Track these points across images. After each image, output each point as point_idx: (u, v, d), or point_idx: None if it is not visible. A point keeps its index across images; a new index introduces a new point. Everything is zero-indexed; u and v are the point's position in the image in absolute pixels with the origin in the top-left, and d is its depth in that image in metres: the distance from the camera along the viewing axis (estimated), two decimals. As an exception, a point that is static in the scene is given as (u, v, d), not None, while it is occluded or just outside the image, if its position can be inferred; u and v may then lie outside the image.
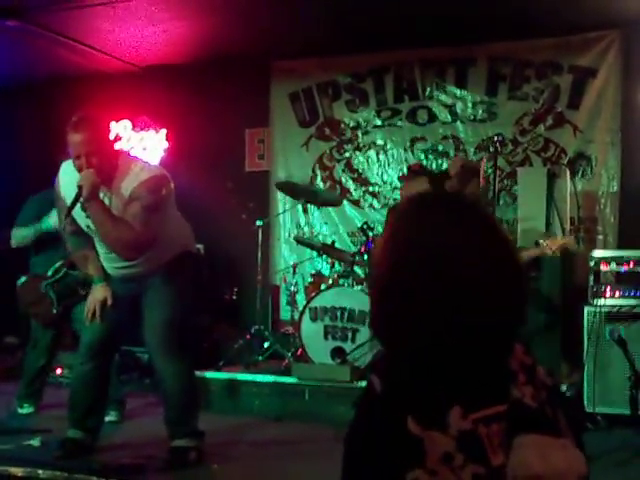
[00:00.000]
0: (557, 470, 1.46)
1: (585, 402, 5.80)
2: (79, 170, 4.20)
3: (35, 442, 4.77)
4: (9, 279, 5.91)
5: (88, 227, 4.37)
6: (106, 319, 4.52)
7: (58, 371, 6.84)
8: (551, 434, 1.51)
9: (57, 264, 5.69)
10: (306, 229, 8.23)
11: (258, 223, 7.18)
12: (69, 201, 4.28)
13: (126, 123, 8.39)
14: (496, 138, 6.16)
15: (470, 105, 7.76)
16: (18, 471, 4.21)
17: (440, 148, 7.82)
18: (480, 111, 7.73)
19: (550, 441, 1.50)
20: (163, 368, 4.51)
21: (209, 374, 6.40)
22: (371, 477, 1.46)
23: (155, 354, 4.55)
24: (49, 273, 5.71)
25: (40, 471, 4.16)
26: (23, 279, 5.85)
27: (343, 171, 8.17)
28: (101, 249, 4.48)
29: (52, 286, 5.70)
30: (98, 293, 4.55)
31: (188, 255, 4.64)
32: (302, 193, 7.04)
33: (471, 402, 1.48)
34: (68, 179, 4.38)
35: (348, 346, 6.33)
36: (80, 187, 4.15)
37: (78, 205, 4.23)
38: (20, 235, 5.83)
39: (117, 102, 8.31)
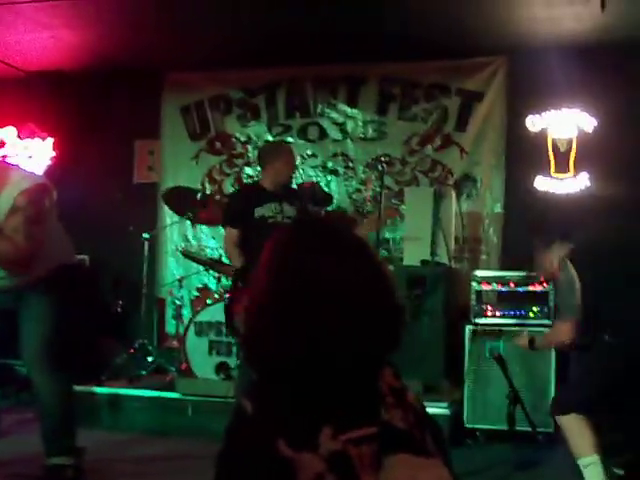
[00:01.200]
0: None
1: (465, 418, 5.92)
2: None
3: None
4: None
5: None
6: None
7: None
8: (420, 455, 1.54)
9: None
10: (194, 242, 8.14)
11: (145, 236, 7.08)
12: None
13: (10, 130, 8.16)
14: (383, 158, 6.23)
15: (361, 124, 7.84)
16: None
17: (330, 165, 7.86)
18: (370, 130, 7.82)
19: (419, 461, 1.53)
20: (39, 383, 4.38)
21: (91, 388, 6.27)
22: None
23: (31, 368, 4.42)
24: None
25: None
26: None
27: (232, 185, 8.13)
28: None
29: None
30: None
31: (66, 268, 4.51)
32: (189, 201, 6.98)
33: (341, 423, 1.49)
34: None
35: (233, 361, 6.30)
36: None
37: None
38: None
39: (1, 107, 8.10)
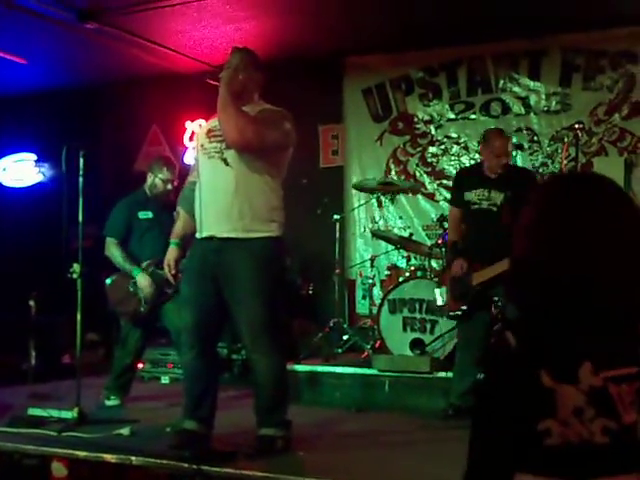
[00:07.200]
0: None
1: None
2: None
3: (125, 431, 4.86)
4: (92, 276, 5.96)
5: (202, 147, 4.51)
6: (192, 306, 4.52)
7: (140, 366, 6.79)
8: None
9: (144, 264, 5.81)
10: (381, 223, 8.26)
11: (335, 217, 7.24)
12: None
13: (202, 122, 8.50)
14: (577, 125, 6.07)
15: (544, 96, 7.73)
16: (111, 458, 4.32)
17: (514, 140, 7.74)
18: (554, 102, 7.70)
19: None
20: (257, 361, 4.47)
21: (292, 367, 6.40)
22: (503, 425, 1.52)
23: (250, 347, 4.50)
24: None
25: (133, 458, 4.26)
26: (112, 278, 5.95)
27: (417, 165, 8.19)
28: (204, 195, 4.45)
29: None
30: (170, 254, 4.70)
31: (281, 243, 4.56)
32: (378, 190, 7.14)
33: (602, 361, 1.53)
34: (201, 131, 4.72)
35: (427, 337, 6.36)
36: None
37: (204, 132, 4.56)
38: (114, 256, 5.91)
39: (192, 102, 8.45)
